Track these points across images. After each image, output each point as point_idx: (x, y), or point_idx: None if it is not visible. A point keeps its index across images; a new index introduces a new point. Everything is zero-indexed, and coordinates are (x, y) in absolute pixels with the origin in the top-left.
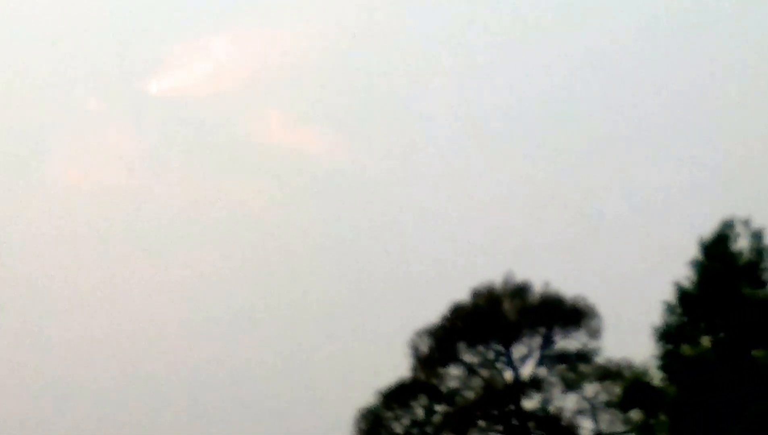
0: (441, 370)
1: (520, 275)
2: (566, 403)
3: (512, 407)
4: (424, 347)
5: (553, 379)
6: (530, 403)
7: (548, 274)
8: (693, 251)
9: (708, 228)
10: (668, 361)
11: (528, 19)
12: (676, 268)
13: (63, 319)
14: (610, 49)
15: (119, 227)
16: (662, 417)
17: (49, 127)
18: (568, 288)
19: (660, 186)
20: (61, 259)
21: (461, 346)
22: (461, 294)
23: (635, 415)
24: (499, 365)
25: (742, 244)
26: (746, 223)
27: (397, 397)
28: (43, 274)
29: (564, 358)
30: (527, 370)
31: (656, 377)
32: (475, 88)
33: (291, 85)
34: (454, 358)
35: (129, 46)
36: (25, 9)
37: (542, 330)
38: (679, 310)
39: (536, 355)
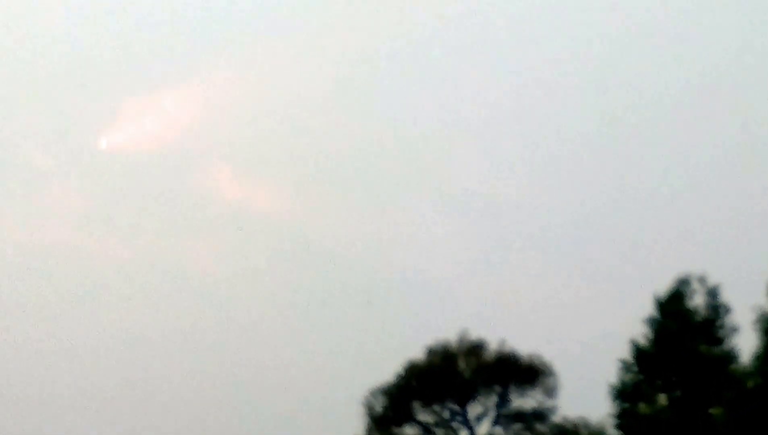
0: (396, 430)
1: (476, 333)
2: None
3: None
4: (379, 407)
5: None
6: None
7: (503, 332)
8: (649, 308)
9: (664, 284)
10: (625, 419)
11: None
12: (633, 326)
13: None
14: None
15: (65, 284)
16: None
17: None
18: (524, 346)
19: (614, 242)
20: (5, 317)
21: (416, 406)
22: (416, 352)
23: None
24: (454, 424)
25: (698, 301)
26: (702, 279)
27: None
28: None
29: (520, 416)
30: (483, 430)
31: None
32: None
33: (241, 139)
34: (410, 418)
35: (79, 102)
36: None
37: (498, 388)
38: (635, 368)
39: (492, 414)
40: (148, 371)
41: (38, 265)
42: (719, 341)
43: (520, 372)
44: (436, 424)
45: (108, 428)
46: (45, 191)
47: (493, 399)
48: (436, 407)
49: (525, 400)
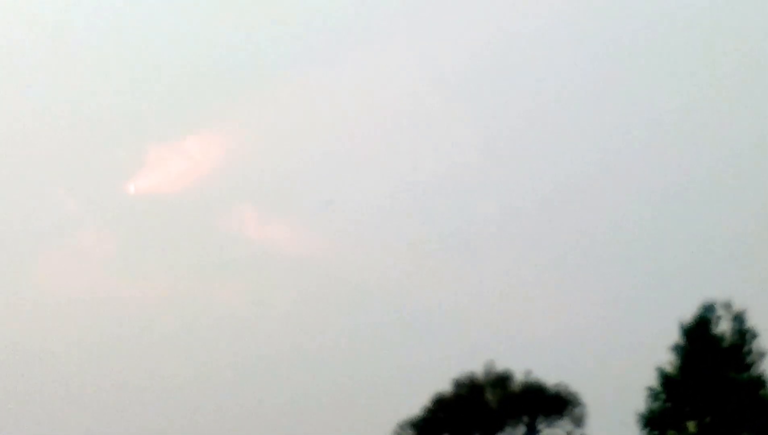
0: None
1: (502, 364)
2: None
3: None
4: None
5: None
6: None
7: (530, 363)
8: (674, 336)
9: (688, 312)
10: None
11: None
12: (658, 354)
13: (41, 419)
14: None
15: (96, 326)
16: None
17: (29, 231)
18: (551, 376)
19: (640, 270)
20: (45, 363)
21: None
22: (443, 385)
23: None
24: None
25: (723, 326)
26: (727, 305)
27: None
28: (26, 376)
29: None
30: None
31: None
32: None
33: (263, 180)
34: None
35: (108, 150)
36: (2, 115)
37: (526, 419)
38: (662, 396)
39: None
40: (180, 412)
41: (70, 308)
42: (747, 367)
43: (547, 402)
44: None
45: None
46: (76, 235)
47: (521, 429)
48: None
49: (553, 430)
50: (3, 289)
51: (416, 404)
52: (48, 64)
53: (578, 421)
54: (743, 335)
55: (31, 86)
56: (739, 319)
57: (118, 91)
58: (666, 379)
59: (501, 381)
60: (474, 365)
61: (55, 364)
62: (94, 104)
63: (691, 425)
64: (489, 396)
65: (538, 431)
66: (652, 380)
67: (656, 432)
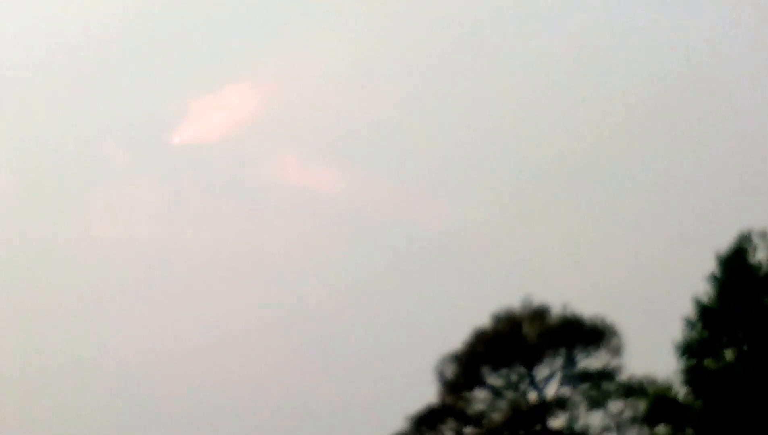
0: (467, 394)
1: (539, 296)
2: (592, 420)
3: (539, 427)
4: (450, 372)
5: (578, 398)
6: (556, 422)
7: (566, 294)
8: (711, 265)
9: (725, 241)
10: (692, 375)
11: None
12: (695, 283)
13: (93, 368)
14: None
15: (145, 275)
16: (689, 431)
17: (81, 182)
18: (587, 307)
19: (678, 198)
20: (95, 310)
21: (485, 370)
22: (482, 319)
23: (661, 430)
24: (523, 387)
25: (760, 255)
26: (764, 235)
27: (426, 421)
28: (78, 326)
29: (587, 376)
30: (551, 390)
31: (681, 392)
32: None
33: (302, 126)
34: (479, 382)
35: (152, 102)
36: (53, 72)
37: (563, 351)
38: (699, 325)
39: (559, 375)
40: (231, 356)
41: (120, 257)
42: None
43: (585, 334)
44: (506, 387)
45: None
46: (124, 186)
47: (559, 361)
48: (504, 371)
49: (591, 361)
50: (56, 239)
51: (456, 339)
52: (98, 24)
53: (616, 352)
54: None
55: (77, 46)
56: None
57: (158, 47)
58: (703, 309)
59: (539, 314)
60: (511, 299)
61: (105, 309)
62: (138, 60)
63: (729, 354)
64: (527, 329)
65: (575, 362)
66: (690, 310)
67: (694, 361)
